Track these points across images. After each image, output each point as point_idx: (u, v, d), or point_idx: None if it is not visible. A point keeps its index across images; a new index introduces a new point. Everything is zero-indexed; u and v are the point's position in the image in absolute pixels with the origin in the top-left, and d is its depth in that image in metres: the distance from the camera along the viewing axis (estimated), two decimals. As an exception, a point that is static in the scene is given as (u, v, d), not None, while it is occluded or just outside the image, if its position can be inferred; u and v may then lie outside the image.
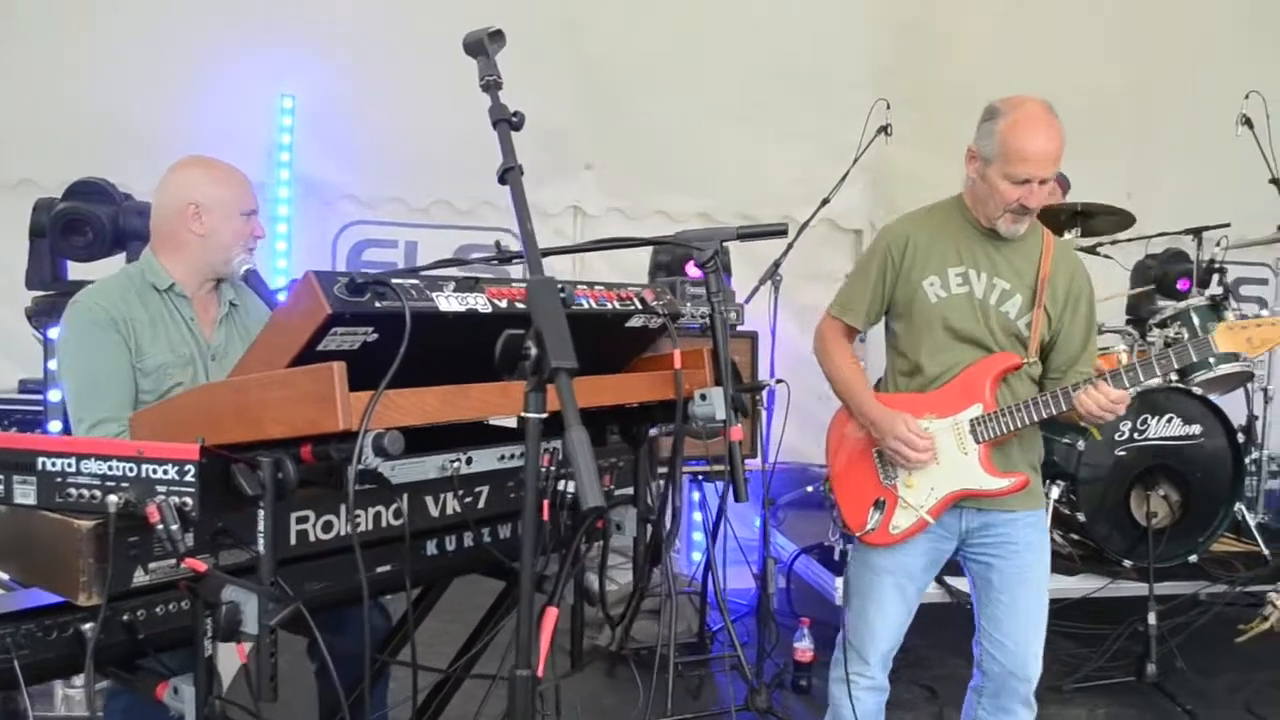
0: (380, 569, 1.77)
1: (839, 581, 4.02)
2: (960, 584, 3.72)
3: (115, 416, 2.32)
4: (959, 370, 2.61)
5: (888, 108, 4.53)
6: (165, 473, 1.47)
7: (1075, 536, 4.32)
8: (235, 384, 1.65)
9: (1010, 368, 2.60)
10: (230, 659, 1.59)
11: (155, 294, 2.49)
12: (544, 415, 1.48)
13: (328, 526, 1.70)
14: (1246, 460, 4.52)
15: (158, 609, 1.56)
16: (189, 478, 1.46)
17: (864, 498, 2.69)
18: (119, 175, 3.70)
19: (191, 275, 2.55)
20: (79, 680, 1.46)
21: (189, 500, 1.46)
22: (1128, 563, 4.16)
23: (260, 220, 2.64)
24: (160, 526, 1.43)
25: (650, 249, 4.61)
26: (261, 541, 1.54)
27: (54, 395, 3.40)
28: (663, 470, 2.18)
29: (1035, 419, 2.54)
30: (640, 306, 2.00)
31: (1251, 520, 4.54)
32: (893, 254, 2.68)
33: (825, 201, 4.51)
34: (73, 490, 1.51)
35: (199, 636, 1.54)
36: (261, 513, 1.53)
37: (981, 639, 2.74)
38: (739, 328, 4.28)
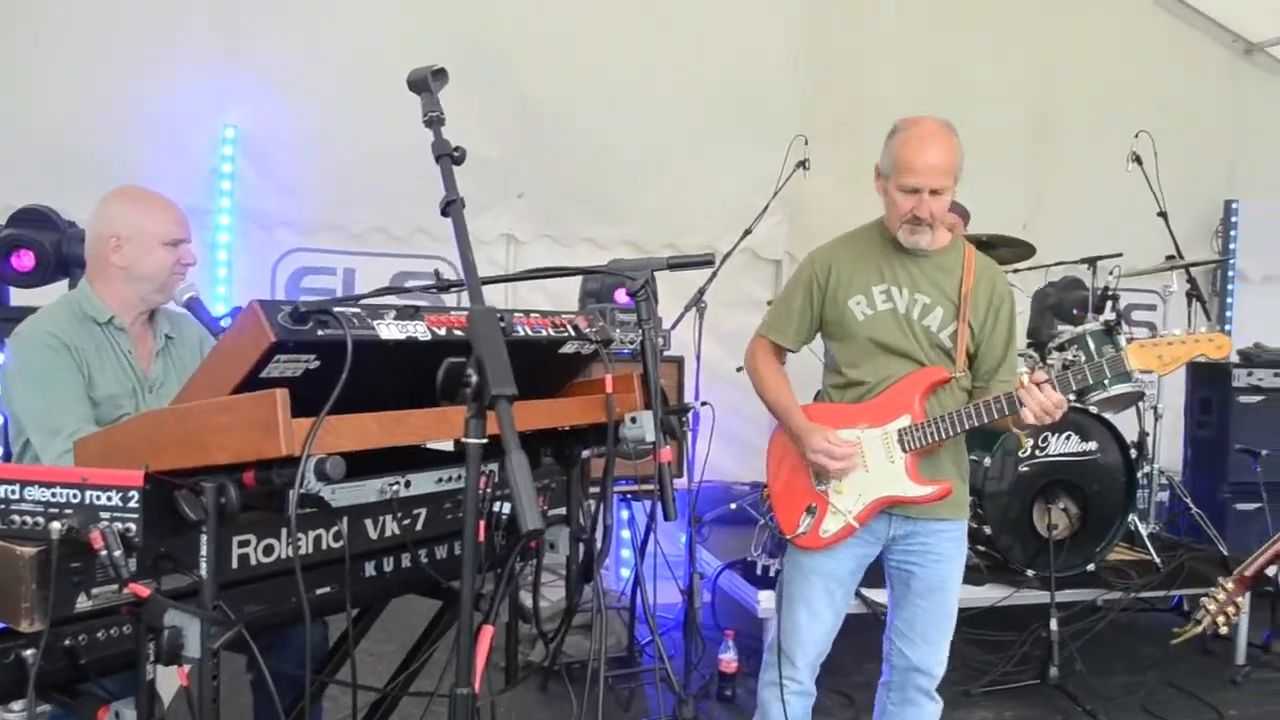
0: (320, 590, 1.80)
1: (762, 595, 4.13)
2: (876, 596, 3.84)
3: (85, 430, 2.29)
4: (890, 383, 2.72)
5: (805, 143, 4.70)
6: (109, 499, 1.49)
7: (981, 548, 4.49)
8: (180, 410, 1.67)
9: (939, 381, 2.70)
10: (170, 682, 1.60)
11: (96, 326, 2.48)
12: (484, 440, 1.53)
13: (269, 550, 1.72)
14: (1139, 474, 4.73)
15: (100, 634, 1.57)
16: (133, 504, 1.49)
17: (798, 503, 2.79)
18: (63, 203, 3.69)
19: (123, 307, 2.54)
20: (18, 705, 1.45)
21: (133, 526, 1.48)
22: (1030, 572, 4.32)
23: (192, 248, 2.62)
24: (104, 553, 1.45)
25: (581, 277, 4.69)
26: (204, 566, 1.56)
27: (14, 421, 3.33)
28: (594, 490, 2.24)
29: (961, 429, 2.64)
30: (574, 333, 2.06)
31: (1144, 530, 4.76)
32: (818, 278, 2.80)
33: (747, 232, 4.65)
34: (15, 517, 1.52)
35: (141, 660, 1.55)
36: (204, 537, 1.55)
37: (892, 635, 2.86)
38: (666, 352, 4.38)
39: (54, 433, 2.31)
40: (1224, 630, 2.95)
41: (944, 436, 2.65)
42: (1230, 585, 2.90)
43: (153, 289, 2.54)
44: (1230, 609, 2.88)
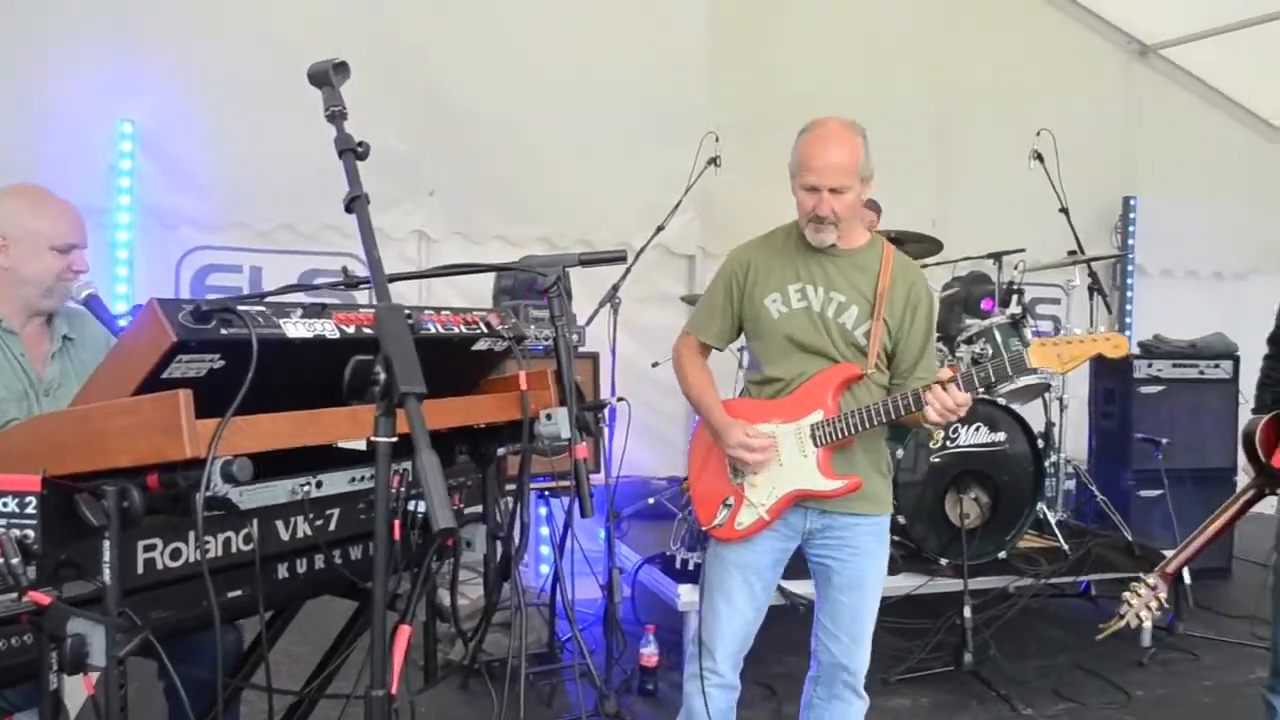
0: (231, 594, 1.77)
1: (682, 589, 4.15)
2: (796, 587, 3.89)
3: None
4: (804, 379, 2.76)
5: (716, 140, 4.76)
6: (5, 505, 1.45)
7: (896, 538, 4.55)
8: (78, 413, 1.63)
9: (851, 378, 2.74)
10: (77, 691, 1.56)
11: None
12: (394, 439, 1.52)
13: (176, 554, 1.69)
14: (1046, 464, 4.87)
15: (-1, 644, 1.53)
16: (30, 509, 1.45)
17: (716, 496, 2.83)
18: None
19: (11, 309, 2.46)
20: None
21: (31, 533, 1.45)
22: (944, 561, 4.43)
23: (84, 255, 2.52)
24: (0, 560, 1.41)
25: (494, 274, 4.67)
26: (107, 572, 1.53)
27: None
28: (511, 488, 2.24)
29: (872, 423, 2.67)
30: (486, 330, 2.06)
31: (1052, 518, 4.91)
32: (736, 276, 2.84)
33: (660, 229, 4.68)
34: (-95, 525, 1.47)
35: (44, 670, 1.51)
36: (107, 543, 1.52)
37: (818, 631, 2.90)
38: (581, 349, 4.39)
39: None
40: (1146, 624, 3.05)
41: (854, 431, 2.69)
42: (1153, 580, 3.00)
43: (37, 294, 2.46)
44: (1153, 603, 2.98)
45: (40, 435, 1.64)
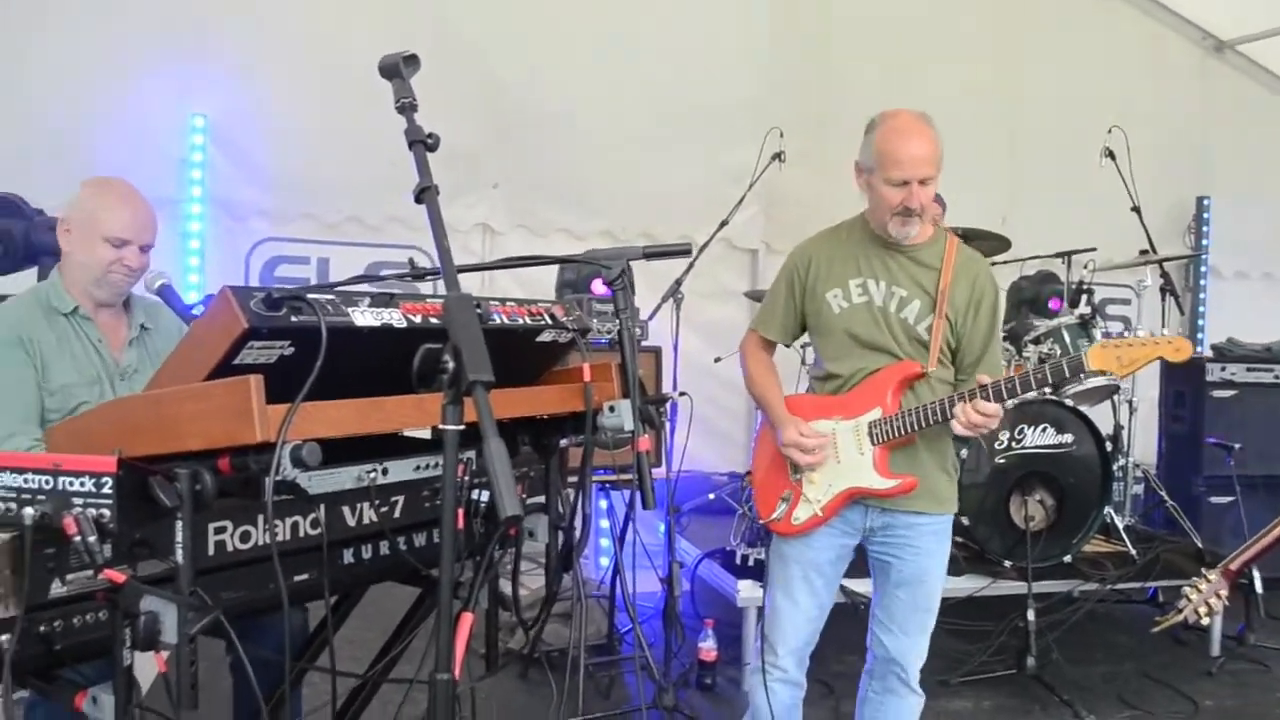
0: (298, 577, 1.80)
1: (742, 584, 4.15)
2: (857, 586, 3.86)
3: (23, 430, 2.30)
4: (865, 375, 2.74)
5: (781, 136, 4.72)
6: (82, 485, 1.48)
7: (959, 539, 4.51)
8: (152, 397, 1.66)
9: (912, 376, 2.72)
10: (148, 667, 1.59)
11: (61, 317, 2.48)
12: (461, 427, 1.53)
13: (245, 536, 1.72)
14: (1114, 467, 4.78)
15: (75, 620, 1.56)
16: (106, 490, 1.48)
17: (775, 490, 2.83)
18: (32, 192, 3.66)
19: (80, 294, 2.52)
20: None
21: (107, 512, 1.48)
22: (1007, 563, 4.36)
23: (138, 253, 2.54)
24: (78, 538, 1.44)
25: (557, 266, 4.69)
26: (180, 552, 1.55)
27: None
28: (573, 479, 2.24)
29: (927, 423, 2.64)
30: (551, 322, 2.06)
31: (1120, 523, 4.81)
32: (798, 272, 2.83)
33: (724, 223, 4.66)
34: (-13, 503, 1.52)
35: (117, 646, 1.54)
36: (180, 524, 1.54)
37: (874, 625, 2.88)
38: (643, 343, 4.39)
39: None
40: (1205, 621, 2.98)
41: (910, 430, 2.67)
42: (1214, 577, 2.93)
43: (89, 281, 2.51)
44: (1213, 600, 2.91)
45: (115, 418, 1.68)
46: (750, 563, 4.22)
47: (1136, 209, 5.35)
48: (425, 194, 1.68)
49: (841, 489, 2.73)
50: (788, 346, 2.97)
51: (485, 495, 1.89)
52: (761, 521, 2.88)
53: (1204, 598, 2.90)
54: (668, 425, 4.15)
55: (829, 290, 2.77)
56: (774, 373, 2.93)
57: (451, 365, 1.50)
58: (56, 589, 1.51)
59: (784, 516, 2.79)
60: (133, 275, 2.56)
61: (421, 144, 1.71)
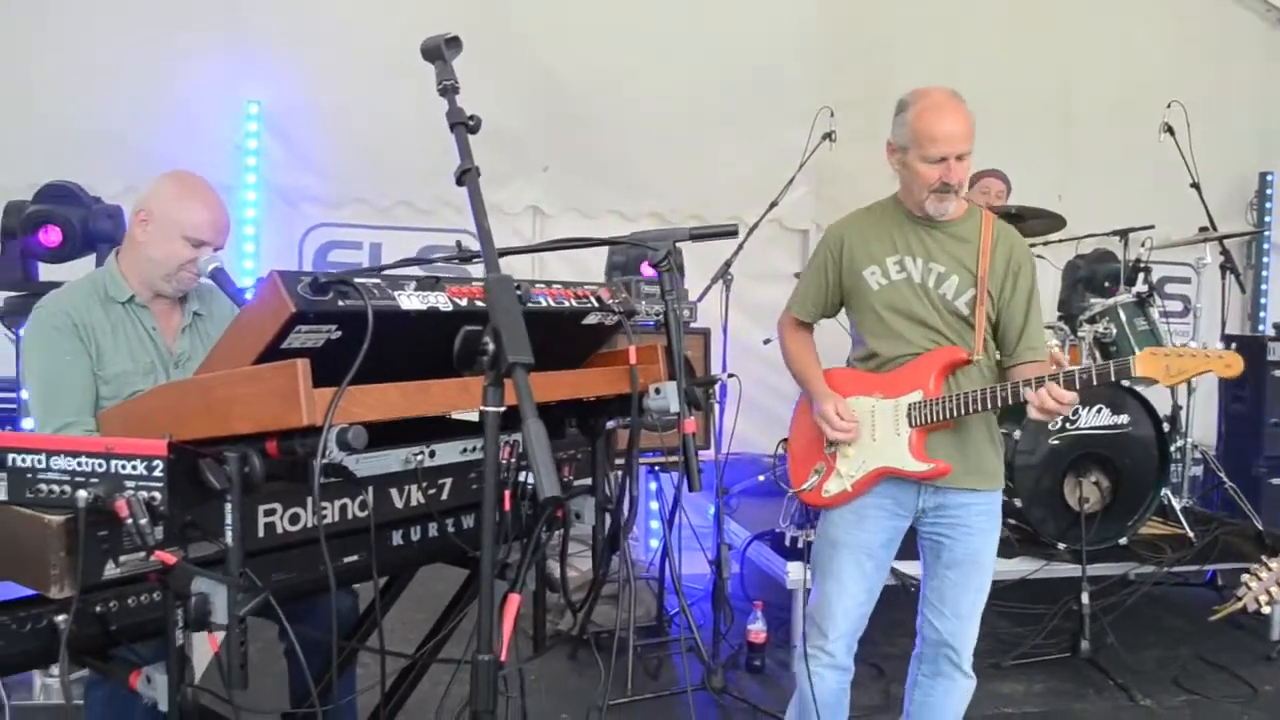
0: (347, 559, 1.81)
1: (791, 566, 4.14)
2: (907, 568, 3.83)
3: (77, 420, 2.34)
4: (910, 355, 2.73)
5: (831, 115, 4.66)
6: (134, 468, 1.50)
7: (1012, 521, 4.46)
8: (201, 381, 1.68)
9: (957, 362, 2.70)
10: (203, 648, 1.62)
11: (116, 305, 2.51)
12: (502, 409, 1.52)
13: (294, 519, 1.73)
14: (1171, 448, 4.67)
15: (129, 600, 1.60)
16: (157, 473, 1.50)
17: (809, 461, 2.86)
18: (89, 180, 3.73)
19: (139, 284, 2.55)
20: (57, 669, 1.49)
21: (158, 495, 1.49)
22: (1062, 545, 4.30)
23: (211, 254, 2.56)
24: (130, 521, 1.46)
25: (606, 248, 4.69)
26: (229, 534, 1.57)
27: (26, 393, 3.42)
28: (620, 461, 2.24)
29: (970, 410, 2.62)
30: (597, 304, 2.05)
31: (1177, 505, 4.72)
32: (831, 252, 2.83)
33: (774, 204, 4.62)
34: (43, 486, 1.54)
35: (170, 627, 1.57)
36: (229, 506, 1.56)
37: (924, 608, 2.86)
38: (692, 325, 4.37)
39: (42, 425, 2.38)
40: (1265, 609, 2.91)
41: (951, 415, 2.65)
42: (1274, 564, 2.85)
43: (159, 275, 2.53)
44: (1274, 588, 2.84)
45: (166, 402, 1.69)
46: (799, 545, 4.20)
47: (1196, 185, 5.21)
48: (466, 176, 1.67)
49: (873, 467, 2.73)
50: (815, 324, 2.96)
51: (531, 477, 1.89)
52: (791, 491, 2.92)
53: (1265, 585, 2.83)
54: (716, 407, 4.14)
55: (866, 268, 2.77)
56: (812, 350, 2.95)
57: (491, 347, 1.49)
58: (110, 570, 1.52)
59: (814, 488, 2.82)
60: (199, 275, 2.58)
61: (463, 126, 1.70)
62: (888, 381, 2.74)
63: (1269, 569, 2.85)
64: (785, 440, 3.05)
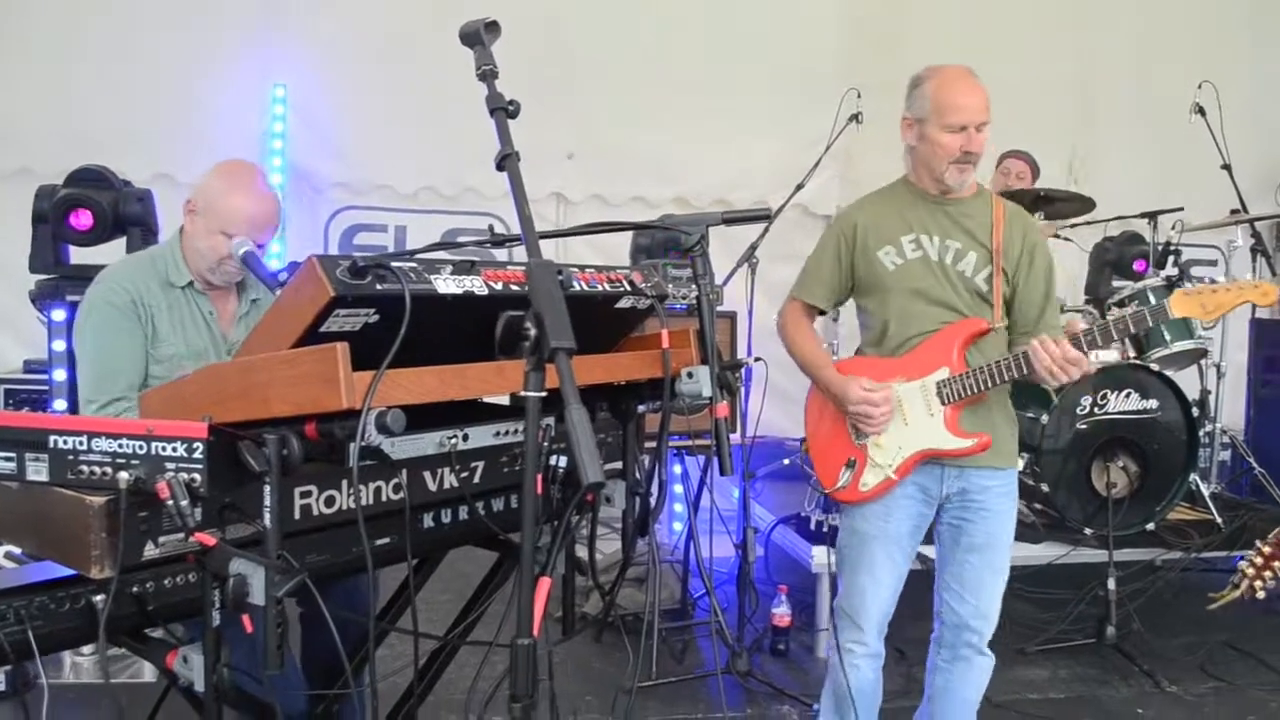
0: (380, 541, 1.82)
1: (815, 550, 4.14)
2: (929, 551, 3.81)
3: (126, 397, 2.36)
4: (928, 334, 2.70)
5: (858, 97, 4.63)
6: (174, 450, 1.51)
7: (1038, 506, 4.44)
8: (241, 364, 1.68)
9: (977, 332, 2.68)
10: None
11: (175, 289, 2.52)
12: (543, 394, 1.53)
13: (330, 501, 1.75)
14: (1200, 433, 4.63)
15: (166, 581, 1.61)
16: (197, 455, 1.51)
17: (837, 458, 2.79)
18: (118, 164, 3.76)
19: (194, 271, 2.56)
20: (87, 649, 1.50)
21: (198, 476, 1.50)
22: (1088, 531, 4.28)
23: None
24: (170, 502, 1.48)
25: (631, 234, 4.68)
26: (267, 516, 1.58)
27: (58, 375, 3.47)
28: (650, 445, 2.24)
29: (1001, 379, 2.60)
30: (630, 288, 2.05)
31: (1205, 490, 4.69)
32: (844, 236, 2.81)
33: (799, 187, 4.60)
34: (84, 467, 1.55)
35: (207, 607, 1.58)
36: (267, 488, 1.57)
37: (943, 591, 2.85)
38: (719, 308, 4.36)
39: (89, 401, 2.39)
40: (1260, 595, 2.90)
41: (983, 388, 2.63)
42: (1268, 549, 2.84)
43: (203, 265, 2.54)
44: (1268, 573, 2.83)
45: (206, 385, 1.70)
46: (825, 529, 4.20)
47: (1227, 167, 5.17)
48: (507, 161, 1.67)
49: (913, 451, 2.69)
50: (826, 313, 2.93)
51: (563, 461, 1.89)
52: (826, 492, 2.84)
53: (1259, 571, 2.82)
54: (742, 390, 4.14)
55: (880, 249, 2.75)
56: (818, 338, 2.93)
57: (534, 332, 1.49)
58: (150, 551, 1.54)
59: (850, 484, 2.75)
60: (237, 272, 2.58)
61: (503, 111, 1.70)
62: (905, 364, 2.72)
63: (1262, 554, 2.83)
64: (803, 441, 2.99)
